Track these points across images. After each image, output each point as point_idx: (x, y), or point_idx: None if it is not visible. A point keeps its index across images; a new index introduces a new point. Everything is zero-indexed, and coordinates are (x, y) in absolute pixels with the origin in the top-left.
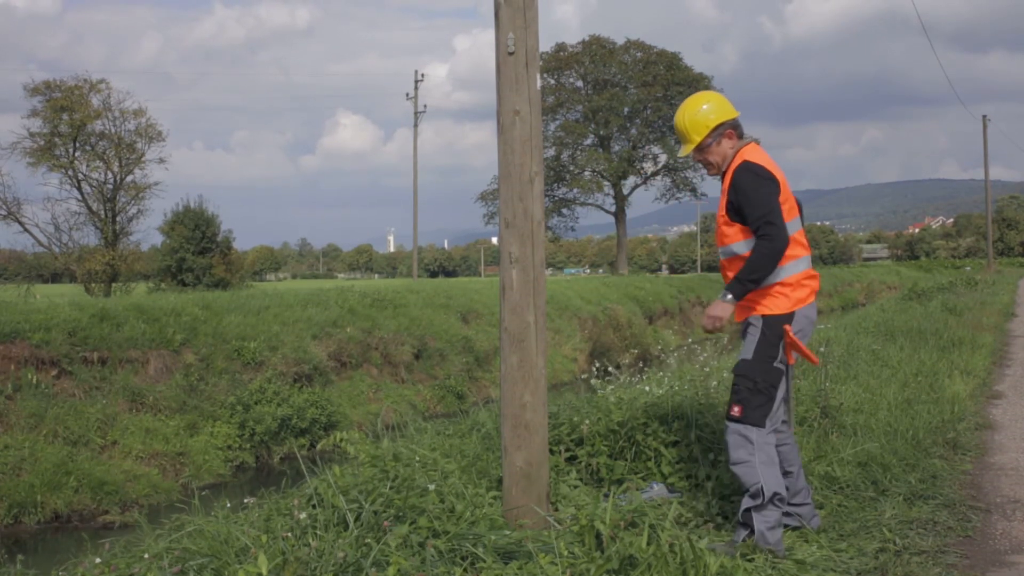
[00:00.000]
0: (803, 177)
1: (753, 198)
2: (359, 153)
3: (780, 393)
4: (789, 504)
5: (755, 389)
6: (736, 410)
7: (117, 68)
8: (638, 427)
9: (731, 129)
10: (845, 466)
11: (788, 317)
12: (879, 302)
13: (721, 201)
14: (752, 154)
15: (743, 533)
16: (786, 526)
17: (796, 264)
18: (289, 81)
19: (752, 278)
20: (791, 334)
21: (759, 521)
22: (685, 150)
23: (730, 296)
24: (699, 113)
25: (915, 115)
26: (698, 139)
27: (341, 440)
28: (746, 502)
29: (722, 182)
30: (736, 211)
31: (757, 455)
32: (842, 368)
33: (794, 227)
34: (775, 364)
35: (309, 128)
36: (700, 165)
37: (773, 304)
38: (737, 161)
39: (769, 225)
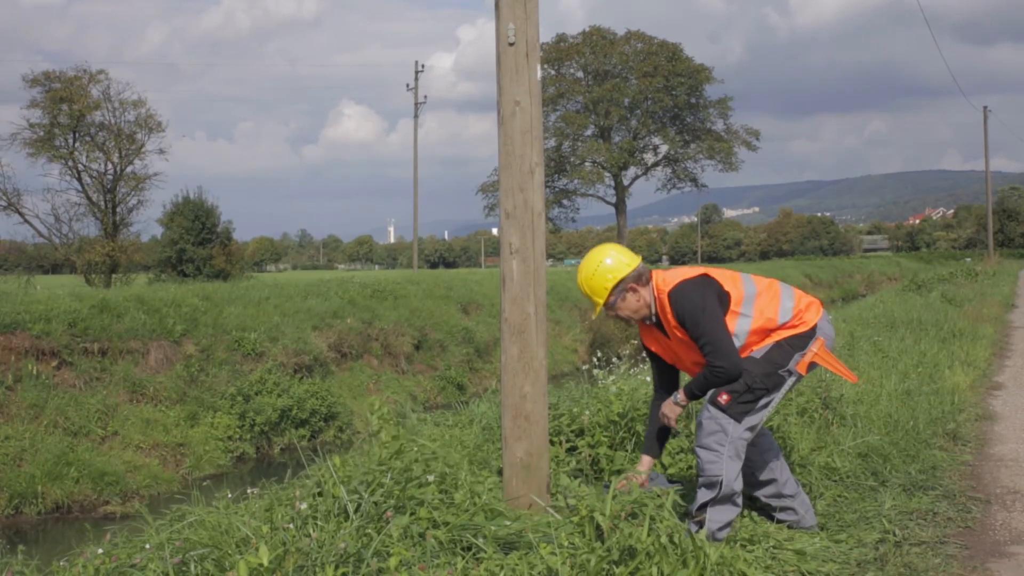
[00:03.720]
0: (804, 169)
1: (697, 327)
2: (362, 144)
3: (768, 400)
4: (780, 496)
5: (749, 387)
6: (724, 398)
7: (123, 59)
8: (639, 418)
9: (633, 283)
10: (845, 457)
11: (810, 333)
12: (879, 293)
13: (674, 334)
14: (668, 281)
15: (694, 529)
16: (780, 521)
17: (785, 302)
18: (294, 71)
19: (703, 394)
20: (824, 347)
21: (712, 519)
22: (595, 313)
23: (680, 398)
24: (595, 275)
25: (919, 106)
26: (601, 301)
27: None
28: (703, 494)
29: (659, 322)
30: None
31: (727, 448)
32: (843, 359)
33: (752, 290)
34: (780, 371)
35: (312, 119)
36: (701, 157)
37: (786, 333)
38: (663, 297)
39: (717, 357)
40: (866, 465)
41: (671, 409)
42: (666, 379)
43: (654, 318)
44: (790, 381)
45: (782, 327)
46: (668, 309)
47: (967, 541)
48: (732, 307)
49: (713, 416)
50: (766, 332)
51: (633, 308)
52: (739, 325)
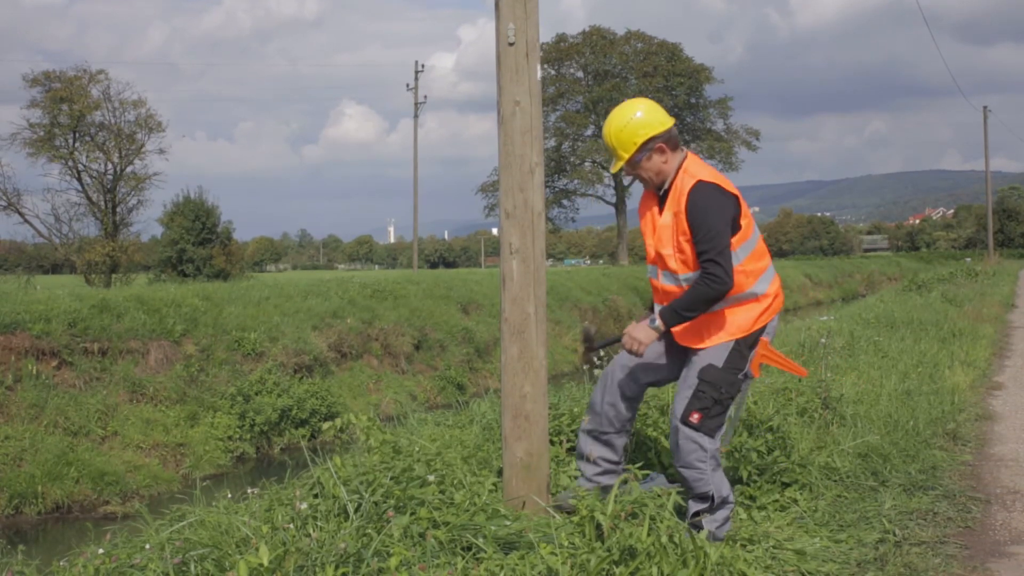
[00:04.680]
0: (805, 168)
1: (705, 229)
2: (362, 144)
3: (733, 406)
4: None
5: (718, 399)
6: (695, 417)
7: (124, 59)
8: (638, 417)
9: (663, 143)
10: (845, 457)
11: (760, 332)
12: (879, 293)
13: (669, 215)
14: (703, 171)
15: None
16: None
17: (768, 274)
18: (295, 71)
19: (689, 315)
20: (768, 346)
21: (709, 523)
22: (615, 167)
23: (659, 323)
24: (626, 128)
25: (919, 106)
26: (626, 155)
27: (350, 423)
28: (695, 505)
29: (661, 196)
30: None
31: (708, 463)
32: (843, 359)
33: (755, 239)
34: (739, 376)
35: (313, 119)
36: (701, 157)
37: (745, 322)
38: (688, 180)
39: (715, 265)
40: (866, 465)
41: (645, 333)
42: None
43: (665, 189)
44: (746, 384)
45: (743, 301)
46: (685, 196)
47: (967, 541)
48: (732, 239)
49: (688, 436)
50: (737, 299)
51: (656, 170)
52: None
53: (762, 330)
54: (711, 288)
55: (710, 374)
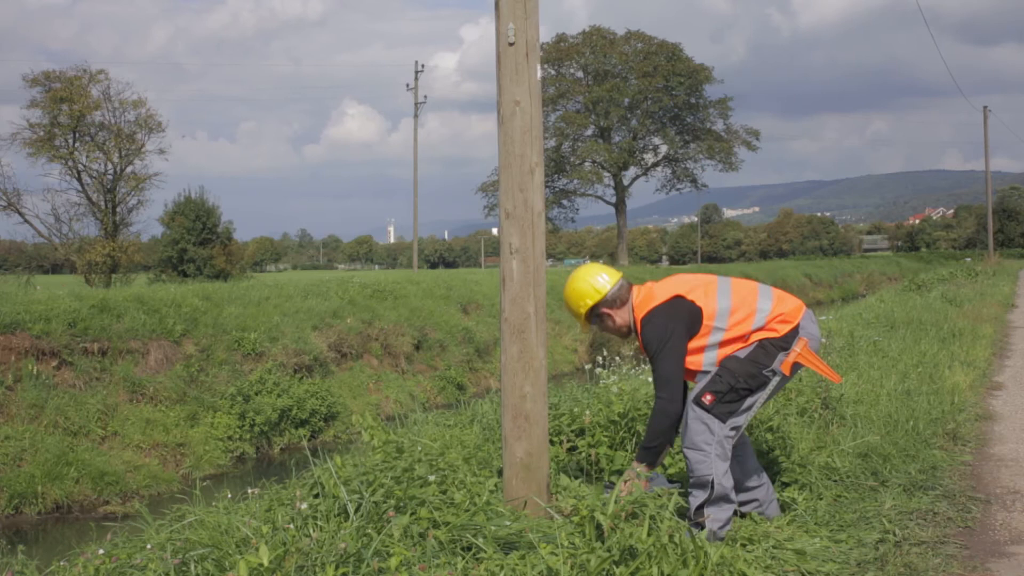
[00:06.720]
0: (805, 168)
1: (652, 357)
2: (364, 143)
3: (752, 400)
4: (743, 488)
5: (734, 387)
6: (708, 398)
7: (127, 59)
8: (639, 418)
9: (606, 308)
10: (845, 457)
11: (793, 333)
12: (879, 293)
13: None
14: (644, 303)
15: (695, 531)
16: (743, 515)
17: (761, 304)
18: (297, 71)
19: (655, 445)
20: (806, 347)
21: (711, 521)
22: (581, 330)
23: (641, 468)
24: (569, 300)
25: (920, 106)
26: (580, 323)
27: (356, 423)
28: (697, 496)
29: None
30: None
31: (714, 447)
32: (843, 359)
33: (725, 298)
34: (764, 371)
35: (315, 118)
36: (701, 157)
37: (770, 335)
38: (638, 322)
39: (659, 397)
40: (866, 465)
41: (624, 487)
42: None
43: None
44: (775, 381)
45: (759, 330)
46: (639, 335)
47: (967, 541)
48: (705, 321)
49: (698, 416)
50: (744, 337)
51: (613, 329)
52: (712, 337)
53: (795, 331)
54: (658, 420)
55: (730, 361)
